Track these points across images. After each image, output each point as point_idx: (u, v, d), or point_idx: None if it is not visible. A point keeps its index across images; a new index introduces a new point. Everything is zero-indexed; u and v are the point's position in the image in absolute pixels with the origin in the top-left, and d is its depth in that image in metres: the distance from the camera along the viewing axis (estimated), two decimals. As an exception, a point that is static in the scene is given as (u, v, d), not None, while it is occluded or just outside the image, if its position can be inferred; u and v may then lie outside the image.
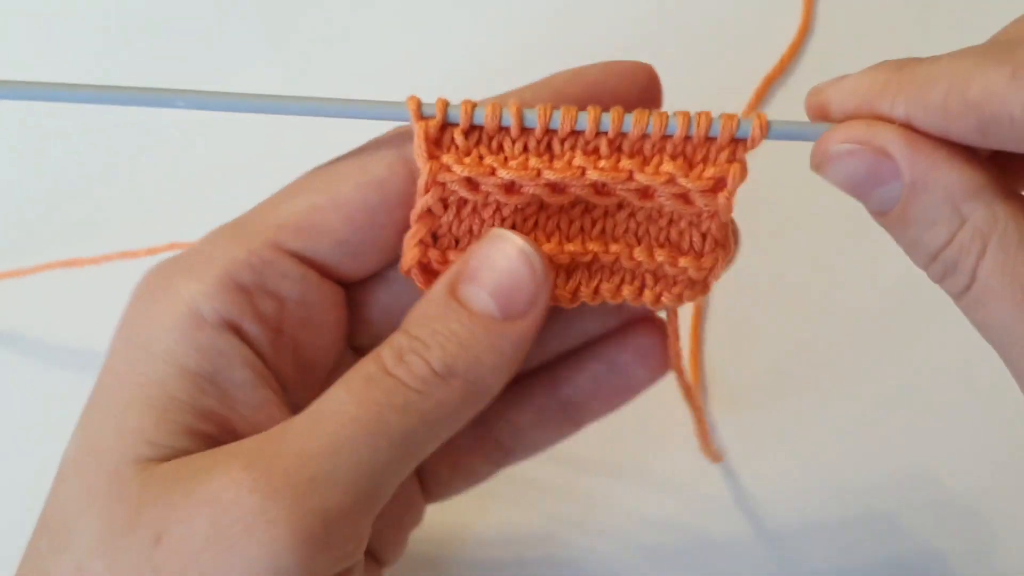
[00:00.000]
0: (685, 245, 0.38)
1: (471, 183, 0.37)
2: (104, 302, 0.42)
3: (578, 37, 0.62)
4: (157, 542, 0.32)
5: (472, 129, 0.37)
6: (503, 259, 0.36)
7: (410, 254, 0.38)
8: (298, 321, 0.38)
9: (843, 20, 0.63)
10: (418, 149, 0.37)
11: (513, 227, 0.38)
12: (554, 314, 0.40)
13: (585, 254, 0.38)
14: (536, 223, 0.38)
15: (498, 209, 0.38)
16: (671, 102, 0.39)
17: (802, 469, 0.52)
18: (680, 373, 0.42)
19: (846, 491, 0.52)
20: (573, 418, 0.44)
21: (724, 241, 0.38)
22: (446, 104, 0.37)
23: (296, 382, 0.38)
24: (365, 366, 0.35)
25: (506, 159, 0.37)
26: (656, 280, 0.39)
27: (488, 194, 0.37)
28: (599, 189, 0.37)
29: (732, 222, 0.38)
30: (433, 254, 0.38)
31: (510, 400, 0.43)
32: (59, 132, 0.61)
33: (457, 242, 0.38)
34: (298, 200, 0.38)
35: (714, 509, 0.52)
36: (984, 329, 0.33)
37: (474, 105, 0.37)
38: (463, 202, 0.38)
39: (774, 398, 0.54)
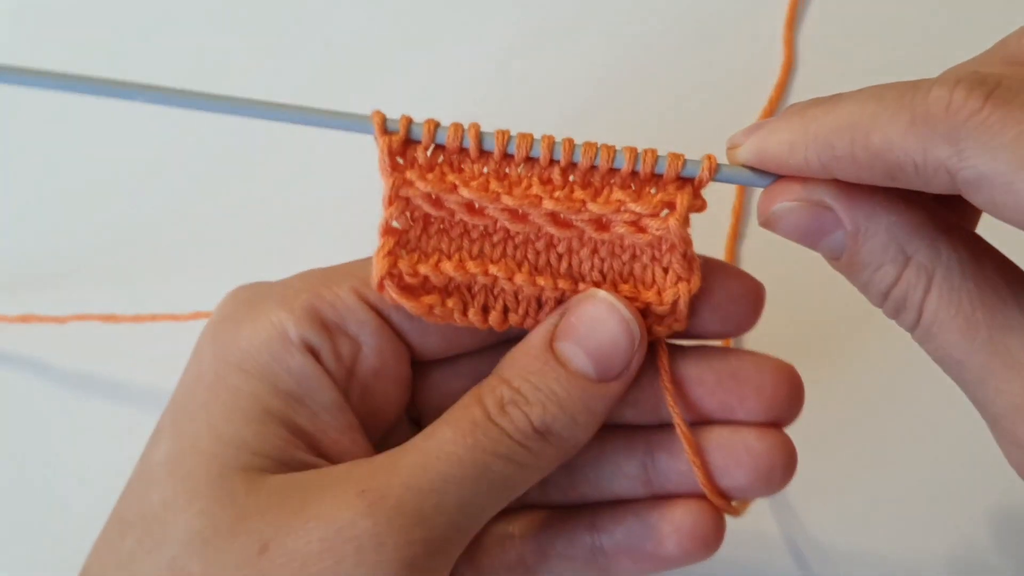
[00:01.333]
0: (648, 279, 0.39)
1: (434, 199, 0.38)
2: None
3: (567, 84, 0.63)
4: (263, 550, 0.34)
5: (437, 149, 0.38)
6: (603, 322, 0.38)
7: (379, 266, 0.39)
8: (370, 369, 0.40)
9: (825, 52, 0.63)
10: (381, 163, 0.38)
11: (482, 251, 0.39)
12: (611, 456, 0.42)
13: (555, 290, 0.39)
14: (504, 251, 0.39)
15: (466, 231, 0.39)
16: (665, 146, 0.39)
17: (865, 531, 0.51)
18: (675, 411, 0.41)
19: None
20: (600, 564, 0.43)
21: (686, 274, 0.39)
22: (409, 120, 0.38)
23: (357, 415, 0.40)
24: (470, 411, 0.37)
25: (468, 179, 0.38)
26: None
27: (453, 212, 0.38)
28: (558, 220, 0.38)
29: (693, 253, 0.39)
30: (404, 266, 0.39)
31: (547, 524, 0.43)
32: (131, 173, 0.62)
33: (427, 257, 0.39)
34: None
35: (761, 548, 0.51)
36: (938, 361, 0.34)
37: (436, 124, 0.38)
38: (429, 218, 0.39)
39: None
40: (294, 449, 0.37)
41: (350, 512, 0.34)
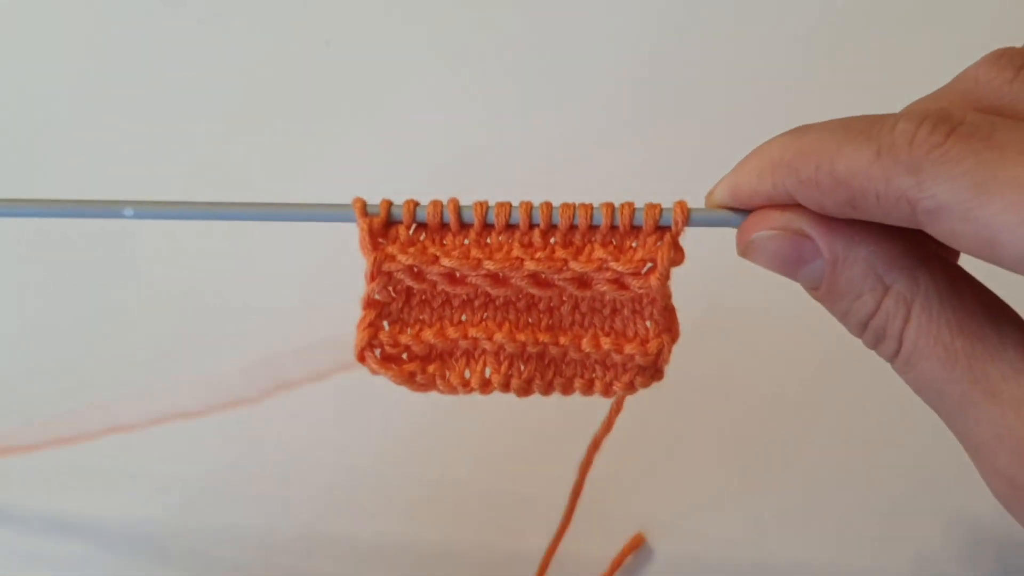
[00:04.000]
0: (631, 332, 0.39)
1: (415, 272, 0.39)
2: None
3: (545, 141, 0.64)
4: None
5: (418, 226, 0.39)
6: None
7: (360, 337, 0.40)
8: None
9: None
10: (362, 242, 0.39)
11: (459, 321, 0.40)
12: None
13: (536, 344, 0.40)
14: (482, 318, 0.40)
15: (447, 300, 0.40)
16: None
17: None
18: (583, 469, 0.42)
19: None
20: None
21: (668, 325, 0.39)
22: (389, 204, 0.39)
23: None
24: None
25: (449, 250, 0.39)
26: (606, 369, 0.40)
27: (434, 284, 0.39)
28: (539, 280, 0.39)
29: (672, 305, 0.39)
30: (384, 337, 0.40)
31: None
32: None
33: (408, 327, 0.40)
34: None
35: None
36: (918, 390, 0.34)
37: (415, 204, 0.39)
38: (411, 291, 0.40)
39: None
40: None
41: None
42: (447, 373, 0.40)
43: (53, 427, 0.55)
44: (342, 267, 0.43)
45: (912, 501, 0.54)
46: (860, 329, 0.35)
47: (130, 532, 0.55)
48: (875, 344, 0.35)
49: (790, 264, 0.35)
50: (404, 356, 0.40)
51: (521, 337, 0.39)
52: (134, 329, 0.61)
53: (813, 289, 0.36)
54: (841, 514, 0.55)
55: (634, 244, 0.38)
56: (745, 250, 0.36)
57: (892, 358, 0.35)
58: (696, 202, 0.38)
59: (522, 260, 0.38)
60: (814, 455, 0.56)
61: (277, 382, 0.49)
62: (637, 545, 0.55)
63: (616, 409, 0.41)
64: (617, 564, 0.54)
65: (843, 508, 0.55)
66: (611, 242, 0.38)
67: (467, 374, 0.40)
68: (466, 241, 0.39)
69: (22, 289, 0.64)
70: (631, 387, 0.40)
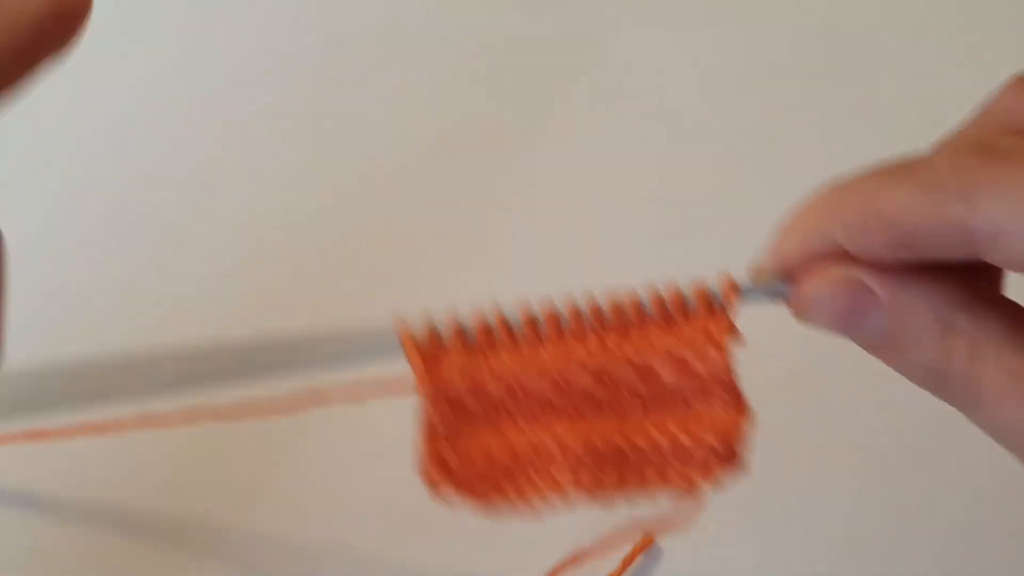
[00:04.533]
0: (702, 420, 0.39)
1: (473, 390, 0.38)
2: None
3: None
4: None
5: (466, 344, 0.38)
6: None
7: (428, 468, 0.39)
8: None
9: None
10: (414, 370, 0.38)
11: (521, 430, 0.39)
12: None
13: (605, 442, 0.39)
14: (545, 424, 0.39)
15: (508, 416, 0.39)
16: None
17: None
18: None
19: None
20: None
21: (738, 404, 0.38)
22: (433, 325, 0.38)
23: None
24: None
25: (502, 361, 0.38)
26: (682, 461, 0.40)
27: (491, 395, 0.39)
28: (599, 377, 0.39)
29: (738, 383, 0.38)
30: (452, 459, 0.39)
31: None
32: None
33: (470, 443, 0.39)
34: None
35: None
36: (991, 432, 0.33)
37: (460, 322, 0.38)
38: (471, 412, 0.39)
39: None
40: None
41: None
42: (520, 486, 0.39)
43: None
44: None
45: (926, 502, 0.55)
46: (928, 378, 0.34)
47: None
48: (947, 392, 0.34)
49: (851, 318, 0.34)
50: (472, 478, 0.39)
51: (589, 436, 0.39)
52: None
53: (874, 346, 0.35)
54: (852, 515, 0.56)
55: (688, 324, 0.38)
56: (802, 312, 0.36)
57: (966, 405, 0.33)
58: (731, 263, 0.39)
59: (579, 361, 0.38)
60: (824, 455, 0.58)
61: (314, 396, 0.46)
62: (647, 545, 0.57)
63: (694, 510, 0.41)
64: (627, 563, 0.56)
65: (854, 509, 0.56)
66: (666, 328, 0.39)
67: (539, 483, 0.39)
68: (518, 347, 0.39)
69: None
70: (710, 475, 0.39)
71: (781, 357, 0.52)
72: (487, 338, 0.38)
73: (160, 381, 0.38)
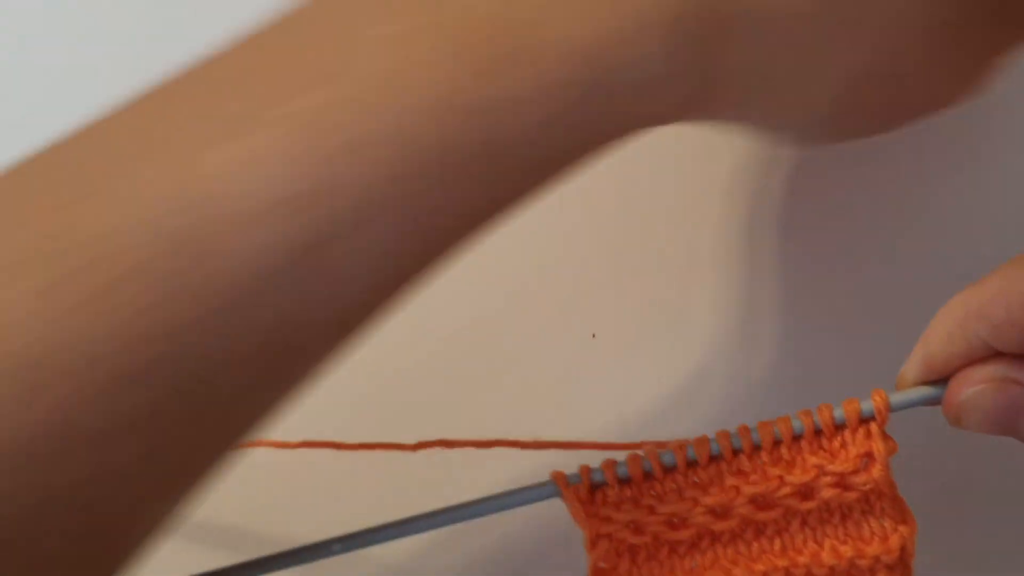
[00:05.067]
0: (867, 534, 0.39)
1: (635, 526, 0.39)
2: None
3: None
4: None
5: (623, 483, 0.39)
6: None
7: None
8: None
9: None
10: (575, 515, 0.39)
11: (692, 566, 0.40)
12: None
13: (777, 571, 0.39)
14: (716, 556, 0.40)
15: (673, 549, 0.40)
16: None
17: None
18: None
19: None
20: None
21: (902, 516, 0.39)
22: (588, 470, 0.39)
23: None
24: None
25: (661, 496, 0.39)
26: None
27: (656, 535, 0.39)
28: (760, 504, 0.39)
29: (899, 496, 0.39)
30: None
31: None
32: None
33: None
34: None
35: None
36: None
37: (614, 463, 0.39)
38: (635, 548, 0.39)
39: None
40: None
41: None
42: None
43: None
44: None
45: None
46: None
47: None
48: None
49: (1008, 417, 0.35)
50: None
51: (759, 567, 0.39)
52: None
53: None
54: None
55: (839, 443, 0.39)
56: (957, 417, 0.36)
57: None
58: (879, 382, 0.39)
59: (737, 488, 0.39)
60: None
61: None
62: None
63: None
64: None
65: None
66: (820, 447, 0.39)
67: None
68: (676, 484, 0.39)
69: None
70: None
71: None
72: (640, 475, 0.39)
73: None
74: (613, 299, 0.55)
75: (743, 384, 0.53)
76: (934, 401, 0.38)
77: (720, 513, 0.39)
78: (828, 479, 0.38)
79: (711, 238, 0.55)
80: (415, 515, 0.40)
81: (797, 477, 0.38)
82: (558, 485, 0.39)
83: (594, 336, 0.54)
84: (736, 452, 0.39)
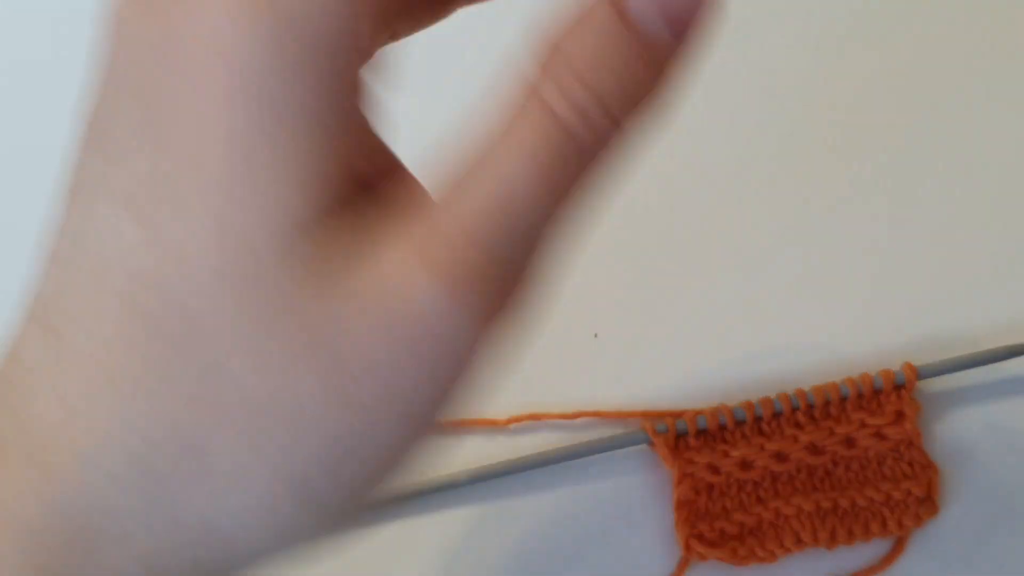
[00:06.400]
0: (900, 475, 0.48)
1: (712, 468, 0.48)
2: None
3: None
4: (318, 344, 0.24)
5: (700, 432, 0.48)
6: None
7: (682, 532, 0.48)
8: None
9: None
10: (664, 457, 0.48)
11: (759, 499, 0.48)
12: None
13: (829, 501, 0.48)
14: (776, 491, 0.49)
15: (741, 487, 0.48)
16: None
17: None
18: None
19: None
20: None
21: (927, 462, 0.48)
22: (674, 421, 0.48)
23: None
24: (541, 126, 0.25)
25: (733, 443, 0.48)
26: (890, 510, 0.48)
27: (728, 474, 0.48)
28: (813, 450, 0.48)
29: (923, 448, 0.49)
30: (703, 527, 0.48)
31: None
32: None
33: (715, 517, 0.48)
34: None
35: None
36: None
37: (696, 414, 0.48)
38: (711, 486, 0.48)
39: None
40: (347, 199, 0.26)
41: (423, 296, 0.24)
42: (765, 543, 0.48)
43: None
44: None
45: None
46: None
47: None
48: None
49: None
50: (725, 542, 0.48)
51: (817, 499, 0.48)
52: None
53: None
54: None
55: (877, 404, 0.48)
56: None
57: None
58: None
59: (795, 436, 0.48)
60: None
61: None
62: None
63: (899, 548, 0.49)
64: None
65: None
66: (861, 406, 0.48)
67: (783, 543, 0.48)
68: (744, 435, 0.48)
69: None
70: (917, 519, 0.48)
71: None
72: (716, 427, 0.48)
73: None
74: (615, 299, 0.57)
75: (743, 384, 0.55)
76: (964, 366, 0.47)
77: (781, 457, 0.48)
78: (868, 430, 0.48)
79: (712, 238, 0.58)
80: (530, 454, 0.49)
81: (844, 428, 0.48)
82: (647, 432, 0.48)
83: (596, 336, 0.57)
84: (794, 410, 0.48)
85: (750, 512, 0.48)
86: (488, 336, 0.26)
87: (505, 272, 0.25)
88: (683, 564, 0.48)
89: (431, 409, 0.25)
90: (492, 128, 0.26)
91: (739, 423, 0.48)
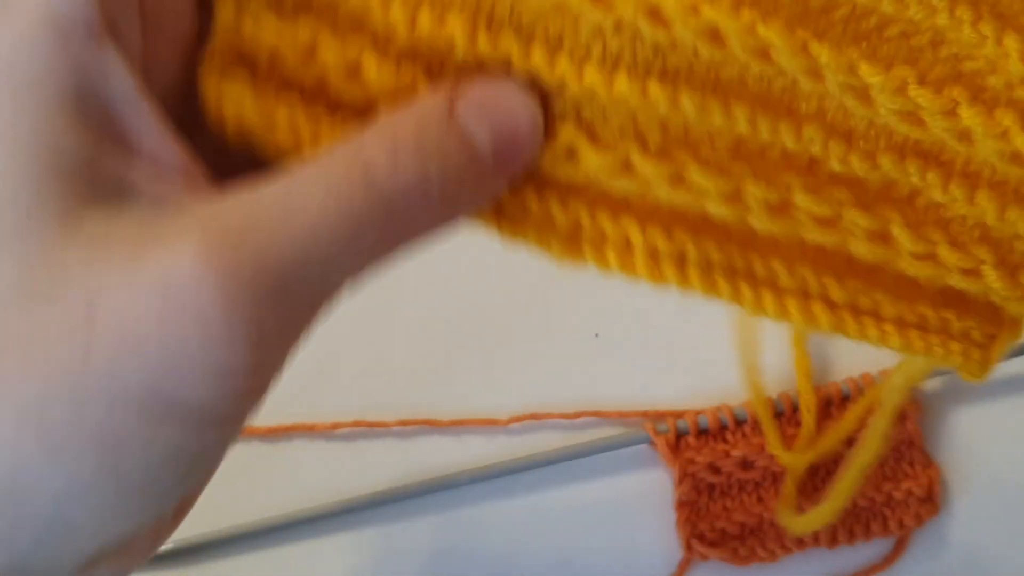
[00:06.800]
0: (901, 474, 0.48)
1: (713, 467, 0.48)
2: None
3: None
4: (90, 319, 0.26)
5: (701, 433, 0.48)
6: (514, 111, 0.30)
7: (683, 530, 0.48)
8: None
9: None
10: (665, 456, 0.48)
11: (759, 499, 0.48)
12: None
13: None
14: (777, 491, 0.48)
15: (742, 487, 0.48)
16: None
17: None
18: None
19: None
20: None
21: (928, 462, 0.48)
22: (675, 421, 0.48)
23: (165, 59, 0.31)
24: (349, 169, 0.28)
25: (734, 443, 0.48)
26: (892, 509, 0.48)
27: (729, 474, 0.48)
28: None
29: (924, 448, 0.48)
30: (704, 527, 0.47)
31: None
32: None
33: (716, 517, 0.48)
34: None
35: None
36: None
37: (696, 414, 0.48)
38: (712, 486, 0.48)
39: None
40: (109, 161, 0.28)
41: (198, 285, 0.26)
42: (766, 542, 0.48)
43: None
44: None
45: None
46: None
47: None
48: None
49: None
50: (724, 541, 0.48)
51: (816, 498, 0.48)
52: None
53: None
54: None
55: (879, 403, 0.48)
56: None
57: None
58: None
59: (794, 438, 0.48)
60: None
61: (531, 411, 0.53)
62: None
63: (899, 548, 0.49)
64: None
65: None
66: (863, 407, 0.48)
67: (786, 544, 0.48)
68: (744, 435, 0.48)
69: None
70: (918, 520, 0.48)
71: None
72: (717, 427, 0.48)
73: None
74: (615, 299, 0.57)
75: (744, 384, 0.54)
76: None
77: (770, 462, 0.48)
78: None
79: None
80: (530, 454, 0.49)
81: (845, 427, 0.48)
82: (648, 432, 0.48)
83: (597, 335, 0.57)
84: (795, 410, 0.48)
85: (751, 512, 0.48)
86: (257, 346, 0.27)
87: (287, 298, 0.27)
88: (684, 564, 0.48)
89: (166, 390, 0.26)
90: (313, 164, 0.28)
91: (740, 423, 0.48)
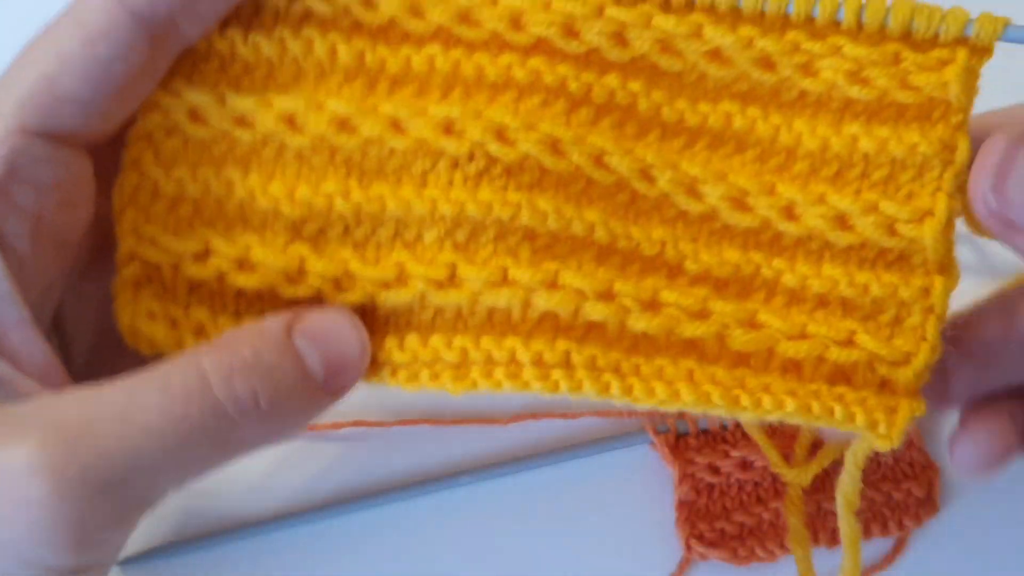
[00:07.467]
0: (900, 474, 0.48)
1: (713, 468, 0.48)
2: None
3: None
4: None
5: (702, 432, 0.48)
6: (345, 338, 0.35)
7: (684, 531, 0.47)
8: (56, 204, 0.34)
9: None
10: (665, 457, 0.48)
11: (759, 499, 0.48)
12: None
13: (827, 500, 0.47)
14: (776, 491, 0.48)
15: (741, 488, 0.48)
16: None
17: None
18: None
19: None
20: None
21: (926, 461, 0.48)
22: (675, 421, 0.48)
23: (50, 264, 0.35)
24: (186, 375, 0.32)
25: (734, 444, 0.48)
26: (892, 509, 0.47)
27: (729, 474, 0.48)
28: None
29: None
30: (704, 528, 0.48)
31: None
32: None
33: (716, 517, 0.48)
34: (27, 74, 0.34)
35: None
36: None
37: (696, 416, 0.48)
38: (711, 487, 0.48)
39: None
40: None
41: (29, 479, 0.29)
42: (765, 542, 0.48)
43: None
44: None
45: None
46: None
47: None
48: None
49: None
50: (723, 542, 0.48)
51: (816, 498, 0.48)
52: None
53: None
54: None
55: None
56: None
57: None
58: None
59: (796, 435, 0.48)
60: None
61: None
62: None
63: (899, 548, 0.48)
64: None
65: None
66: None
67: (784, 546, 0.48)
68: (744, 435, 0.48)
69: None
70: (918, 520, 0.48)
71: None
72: (719, 427, 0.48)
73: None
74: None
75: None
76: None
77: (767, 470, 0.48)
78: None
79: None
80: (536, 453, 0.49)
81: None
82: (649, 432, 0.48)
83: None
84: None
85: (750, 512, 0.48)
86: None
87: (113, 499, 0.30)
88: (684, 564, 0.48)
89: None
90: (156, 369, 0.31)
91: (739, 424, 0.48)
